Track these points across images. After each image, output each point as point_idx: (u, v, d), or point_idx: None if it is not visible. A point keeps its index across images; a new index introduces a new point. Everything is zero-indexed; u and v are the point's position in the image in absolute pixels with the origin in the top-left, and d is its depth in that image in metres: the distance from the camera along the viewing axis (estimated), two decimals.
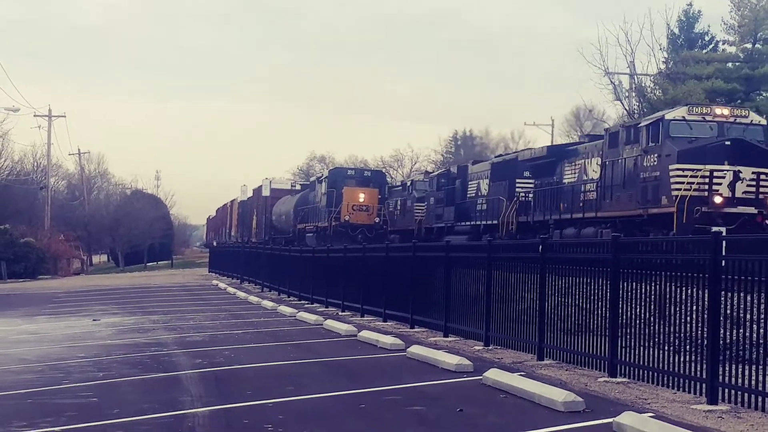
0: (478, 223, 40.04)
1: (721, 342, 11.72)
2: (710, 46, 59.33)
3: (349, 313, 27.16)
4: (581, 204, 31.82)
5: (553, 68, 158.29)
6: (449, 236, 34.67)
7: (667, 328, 12.86)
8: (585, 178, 32.33)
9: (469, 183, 42.67)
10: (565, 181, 33.89)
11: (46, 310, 33.64)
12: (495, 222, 37.63)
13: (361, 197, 51.19)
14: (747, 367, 11.28)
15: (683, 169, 26.38)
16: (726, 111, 28.19)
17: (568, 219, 32.20)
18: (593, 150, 32.46)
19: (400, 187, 55.88)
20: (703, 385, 11.80)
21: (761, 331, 11.17)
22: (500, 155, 45.41)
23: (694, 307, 12.19)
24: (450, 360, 15.51)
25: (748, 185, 26.12)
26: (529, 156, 38.36)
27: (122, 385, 14.76)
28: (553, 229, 32.68)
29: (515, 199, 37.01)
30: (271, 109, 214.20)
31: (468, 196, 42.43)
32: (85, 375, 15.90)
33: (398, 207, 52.35)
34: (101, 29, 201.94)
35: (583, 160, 32.97)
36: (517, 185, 37.41)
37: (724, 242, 12.17)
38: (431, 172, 54.20)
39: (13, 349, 20.49)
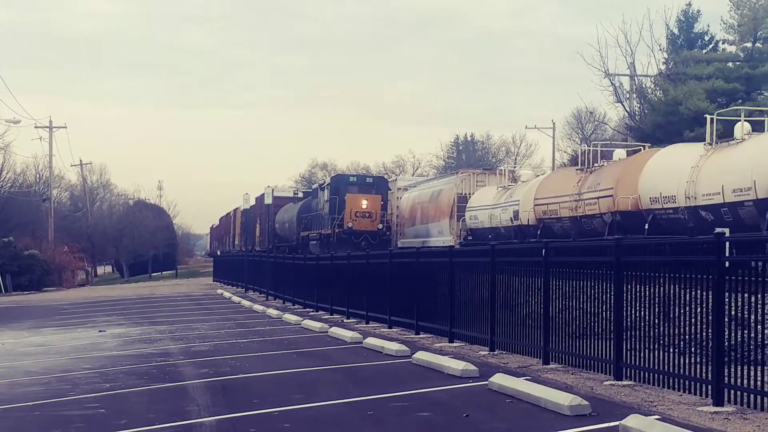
0: None
1: (727, 343, 11.73)
2: (710, 46, 59.37)
3: (354, 320, 27.18)
4: None
5: (555, 69, 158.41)
6: None
7: (671, 330, 12.88)
8: None
9: None
10: None
11: (51, 322, 33.68)
12: None
13: (364, 204, 51.13)
14: (753, 368, 11.29)
15: None
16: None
17: None
18: None
19: None
20: (709, 387, 11.82)
21: (766, 332, 11.19)
22: None
23: (699, 309, 12.21)
24: (455, 365, 15.53)
25: None
26: None
27: (129, 395, 14.79)
28: None
29: None
30: (272, 115, 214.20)
31: None
32: (92, 386, 15.94)
33: None
34: (98, 38, 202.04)
35: None
36: None
37: (727, 243, 12.19)
38: None
39: (20, 362, 20.53)
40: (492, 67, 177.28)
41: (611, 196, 30.51)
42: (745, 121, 26.60)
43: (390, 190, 54.12)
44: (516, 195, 38.92)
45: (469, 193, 44.33)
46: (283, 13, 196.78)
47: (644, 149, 33.90)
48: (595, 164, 34.03)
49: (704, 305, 12.04)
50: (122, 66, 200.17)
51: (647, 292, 13.38)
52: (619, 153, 34.46)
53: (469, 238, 41.87)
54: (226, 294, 46.79)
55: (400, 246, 47.34)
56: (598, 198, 31.52)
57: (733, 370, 11.55)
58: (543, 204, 35.60)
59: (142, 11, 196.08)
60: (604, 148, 36.76)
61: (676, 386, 12.57)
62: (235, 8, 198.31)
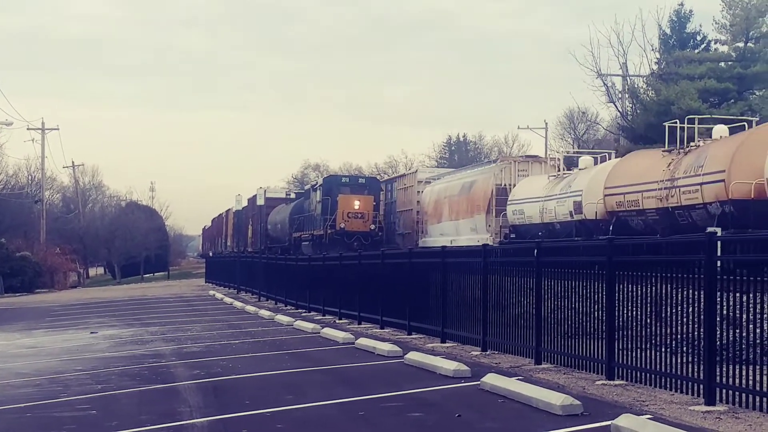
0: None
1: (718, 343, 11.73)
2: (702, 46, 59.38)
3: (346, 320, 27.15)
4: None
5: (548, 70, 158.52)
6: None
7: (663, 330, 12.87)
8: None
9: None
10: None
11: (43, 323, 33.60)
12: None
13: (356, 204, 51.04)
14: (744, 367, 11.29)
15: None
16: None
17: None
18: None
19: None
20: (701, 386, 11.82)
21: (758, 331, 11.19)
22: None
23: (691, 309, 12.20)
24: (447, 366, 15.51)
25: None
26: None
27: (121, 397, 14.76)
28: None
29: None
30: (265, 117, 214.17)
31: None
32: (84, 388, 15.90)
33: None
34: (92, 40, 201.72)
35: None
36: None
37: (719, 242, 12.19)
38: None
39: (12, 363, 20.47)
40: (486, 68, 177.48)
41: (722, 181, 24.43)
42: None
43: (382, 189, 53.98)
44: (577, 184, 32.94)
45: (510, 185, 39.10)
46: (278, 16, 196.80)
47: (753, 124, 28.17)
48: (690, 143, 28.08)
49: (696, 305, 12.04)
50: (116, 68, 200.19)
51: (639, 292, 13.37)
52: (721, 129, 27.75)
53: (512, 236, 36.59)
54: (218, 295, 46.71)
55: (421, 246, 42.98)
56: (700, 184, 25.47)
57: (724, 369, 11.55)
58: (617, 193, 29.64)
59: (136, 14, 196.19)
60: (701, 125, 30.51)
61: (668, 386, 12.57)
62: (231, 11, 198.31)
